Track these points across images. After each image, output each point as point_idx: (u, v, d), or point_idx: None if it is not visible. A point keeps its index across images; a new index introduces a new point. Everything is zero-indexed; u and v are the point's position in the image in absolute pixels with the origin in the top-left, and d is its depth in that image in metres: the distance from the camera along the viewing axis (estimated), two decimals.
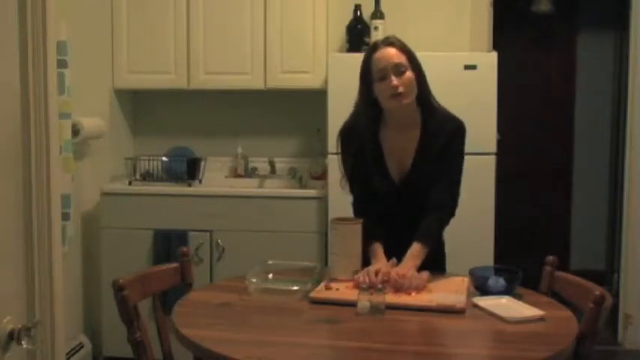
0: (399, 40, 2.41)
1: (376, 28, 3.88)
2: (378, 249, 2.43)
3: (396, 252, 2.40)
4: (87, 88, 3.82)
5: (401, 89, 2.32)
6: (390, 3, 4.00)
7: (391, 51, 2.35)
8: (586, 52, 5.72)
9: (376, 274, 2.26)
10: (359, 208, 2.54)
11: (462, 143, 2.47)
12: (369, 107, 2.42)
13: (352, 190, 2.54)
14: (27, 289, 1.44)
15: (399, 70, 2.32)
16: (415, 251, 2.34)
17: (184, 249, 2.43)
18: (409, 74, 2.34)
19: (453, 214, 2.46)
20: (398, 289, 2.21)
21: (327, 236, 3.64)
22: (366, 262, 2.41)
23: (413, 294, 2.19)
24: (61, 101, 3.28)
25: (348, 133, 2.50)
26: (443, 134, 2.43)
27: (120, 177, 4.15)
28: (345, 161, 2.53)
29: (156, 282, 2.31)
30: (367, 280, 2.22)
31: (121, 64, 4.12)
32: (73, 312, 3.77)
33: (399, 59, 2.34)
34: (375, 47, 2.41)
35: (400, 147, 2.45)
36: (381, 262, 2.38)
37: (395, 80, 2.31)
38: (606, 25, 5.63)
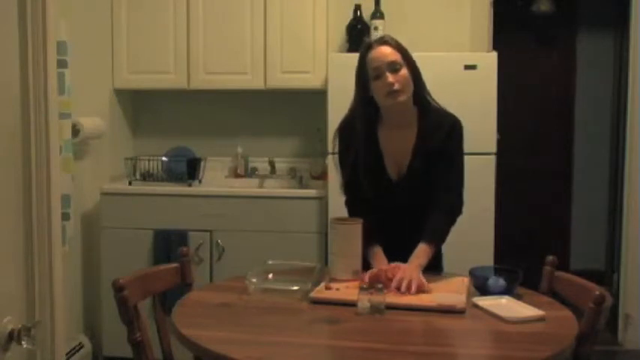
0: (393, 39, 2.41)
1: (376, 28, 3.88)
2: (379, 252, 2.43)
3: (392, 251, 2.40)
4: (87, 88, 3.82)
5: (397, 86, 2.32)
6: (390, 3, 4.00)
7: (386, 49, 2.36)
8: (586, 52, 5.72)
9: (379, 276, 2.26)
10: (354, 208, 2.53)
11: (461, 140, 2.47)
12: (366, 107, 2.42)
13: (347, 190, 2.54)
14: (27, 289, 1.44)
15: (393, 68, 2.33)
16: (420, 251, 2.34)
17: (184, 249, 2.43)
18: (404, 71, 2.34)
19: (461, 212, 2.46)
20: (398, 288, 2.21)
21: (327, 236, 3.64)
22: (365, 262, 2.41)
23: (412, 290, 2.19)
24: (61, 101, 3.28)
25: (345, 131, 2.50)
26: (439, 131, 2.43)
27: (120, 177, 4.15)
28: (342, 159, 2.53)
29: (156, 282, 2.31)
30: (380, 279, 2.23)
31: (121, 64, 4.12)
32: (73, 312, 3.77)
33: (393, 57, 2.34)
34: (369, 47, 2.41)
35: (398, 145, 2.45)
36: (383, 265, 2.37)
37: (390, 77, 2.32)
38: (606, 25, 5.63)
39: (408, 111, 2.43)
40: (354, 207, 2.54)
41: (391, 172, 2.47)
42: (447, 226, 2.43)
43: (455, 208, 2.45)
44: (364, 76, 2.38)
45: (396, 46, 2.37)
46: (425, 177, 2.43)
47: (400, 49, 2.37)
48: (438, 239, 2.41)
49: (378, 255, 2.43)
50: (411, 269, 2.26)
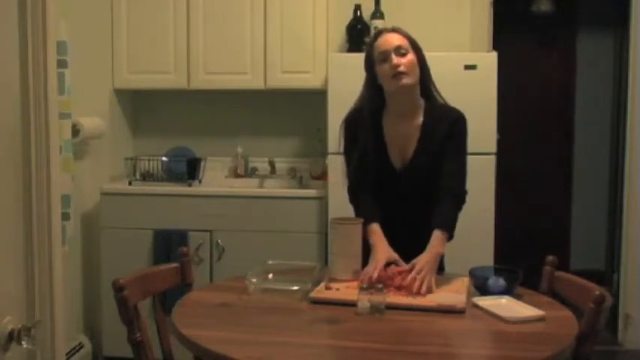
0: (402, 29, 2.45)
1: (376, 28, 3.87)
2: (378, 229, 2.42)
3: (393, 241, 2.39)
4: (87, 88, 3.82)
5: (402, 68, 2.35)
6: (390, 3, 4.01)
7: (394, 35, 2.41)
8: (586, 52, 5.72)
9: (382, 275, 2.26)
10: (356, 193, 2.54)
11: (465, 133, 2.48)
12: (373, 92, 2.44)
13: (350, 177, 2.54)
14: (27, 289, 1.44)
15: (399, 52, 2.37)
16: (439, 239, 2.32)
17: (184, 249, 2.43)
18: (411, 56, 2.38)
19: (464, 201, 2.46)
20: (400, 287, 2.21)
21: (327, 236, 3.64)
22: (365, 256, 2.40)
23: (423, 290, 2.18)
24: (61, 101, 3.28)
25: (352, 120, 2.52)
26: (444, 124, 2.45)
27: (120, 177, 4.15)
28: (347, 147, 2.54)
29: (156, 282, 2.31)
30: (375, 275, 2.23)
31: (121, 64, 4.12)
32: (73, 312, 3.77)
33: (400, 42, 2.38)
34: (378, 33, 2.47)
35: (402, 135, 2.47)
36: (382, 247, 2.37)
37: (396, 59, 2.35)
38: (606, 25, 5.63)
39: (413, 99, 2.45)
40: (356, 194, 2.54)
41: (395, 162, 2.48)
42: (454, 213, 2.41)
43: (459, 197, 2.45)
44: (371, 62, 2.41)
45: (404, 34, 2.42)
46: (428, 171, 2.44)
47: (408, 37, 2.42)
48: (450, 225, 2.38)
49: (376, 232, 2.41)
50: (429, 265, 2.24)
